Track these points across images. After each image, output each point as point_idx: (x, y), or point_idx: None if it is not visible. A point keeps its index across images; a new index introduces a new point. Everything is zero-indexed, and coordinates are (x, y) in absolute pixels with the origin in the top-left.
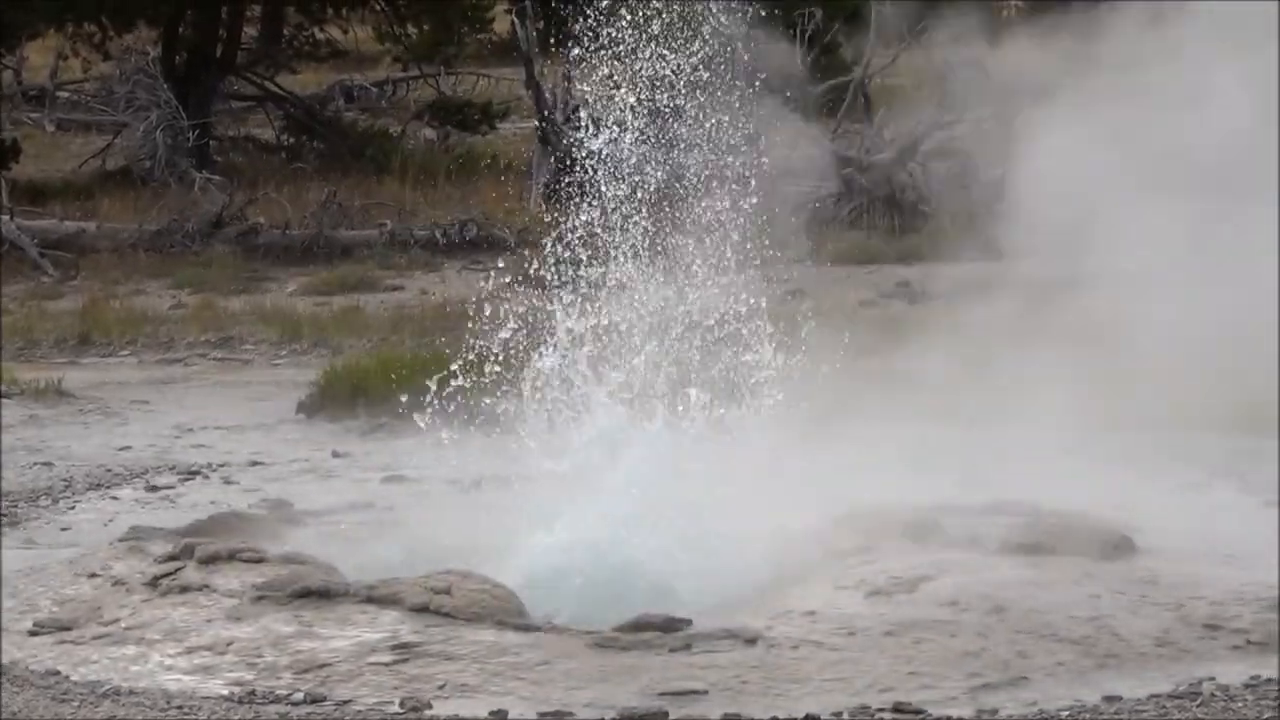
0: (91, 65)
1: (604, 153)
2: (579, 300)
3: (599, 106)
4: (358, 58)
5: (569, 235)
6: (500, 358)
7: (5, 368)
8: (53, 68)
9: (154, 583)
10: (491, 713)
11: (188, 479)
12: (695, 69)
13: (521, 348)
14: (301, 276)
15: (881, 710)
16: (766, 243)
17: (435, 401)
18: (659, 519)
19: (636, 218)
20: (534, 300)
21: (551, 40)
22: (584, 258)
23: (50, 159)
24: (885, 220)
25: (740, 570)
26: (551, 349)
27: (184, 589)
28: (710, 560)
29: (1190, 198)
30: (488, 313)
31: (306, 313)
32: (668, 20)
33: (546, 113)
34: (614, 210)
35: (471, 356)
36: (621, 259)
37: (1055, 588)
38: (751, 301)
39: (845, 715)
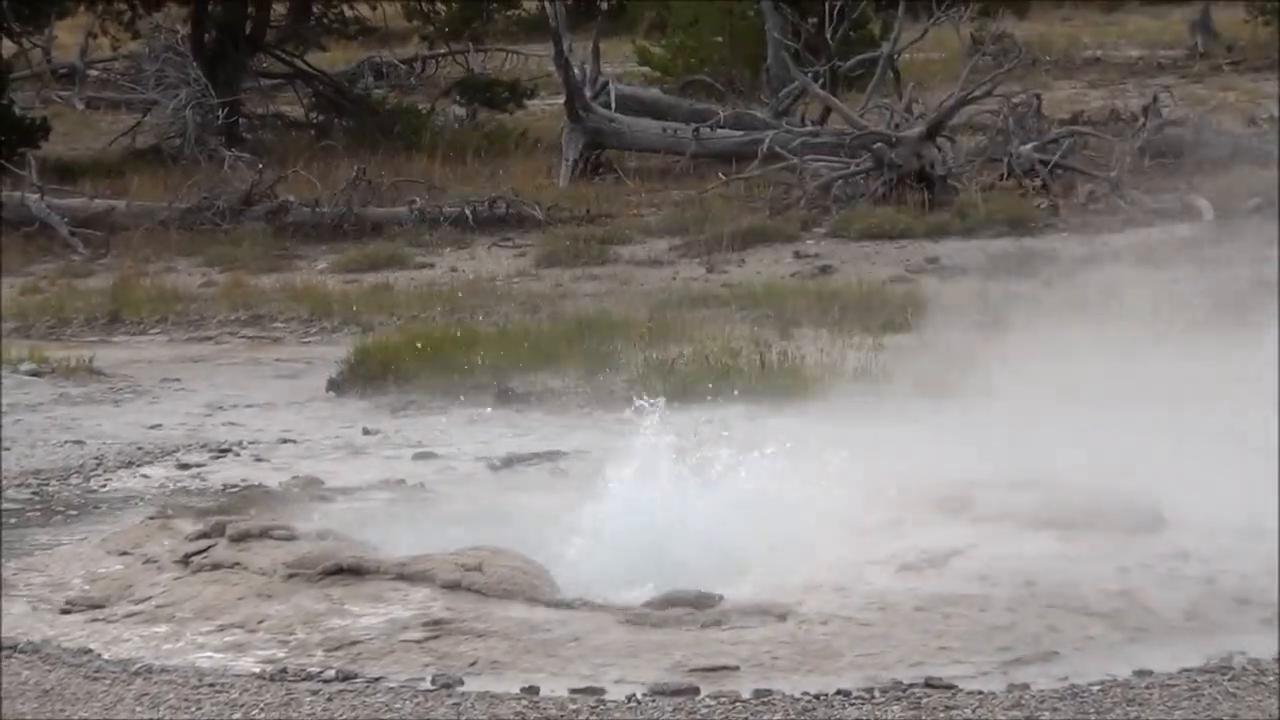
0: (121, 43)
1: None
2: None
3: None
4: (386, 35)
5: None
6: None
7: (36, 346)
8: (82, 46)
9: (185, 560)
10: (523, 689)
11: (218, 457)
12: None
13: None
14: (331, 254)
15: (913, 685)
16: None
17: None
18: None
19: None
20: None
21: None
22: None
23: (80, 137)
24: (915, 195)
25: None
26: None
27: (215, 567)
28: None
29: None
30: None
31: (337, 290)
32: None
33: (575, 89)
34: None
35: None
36: None
37: (1085, 562)
38: None
39: (876, 690)
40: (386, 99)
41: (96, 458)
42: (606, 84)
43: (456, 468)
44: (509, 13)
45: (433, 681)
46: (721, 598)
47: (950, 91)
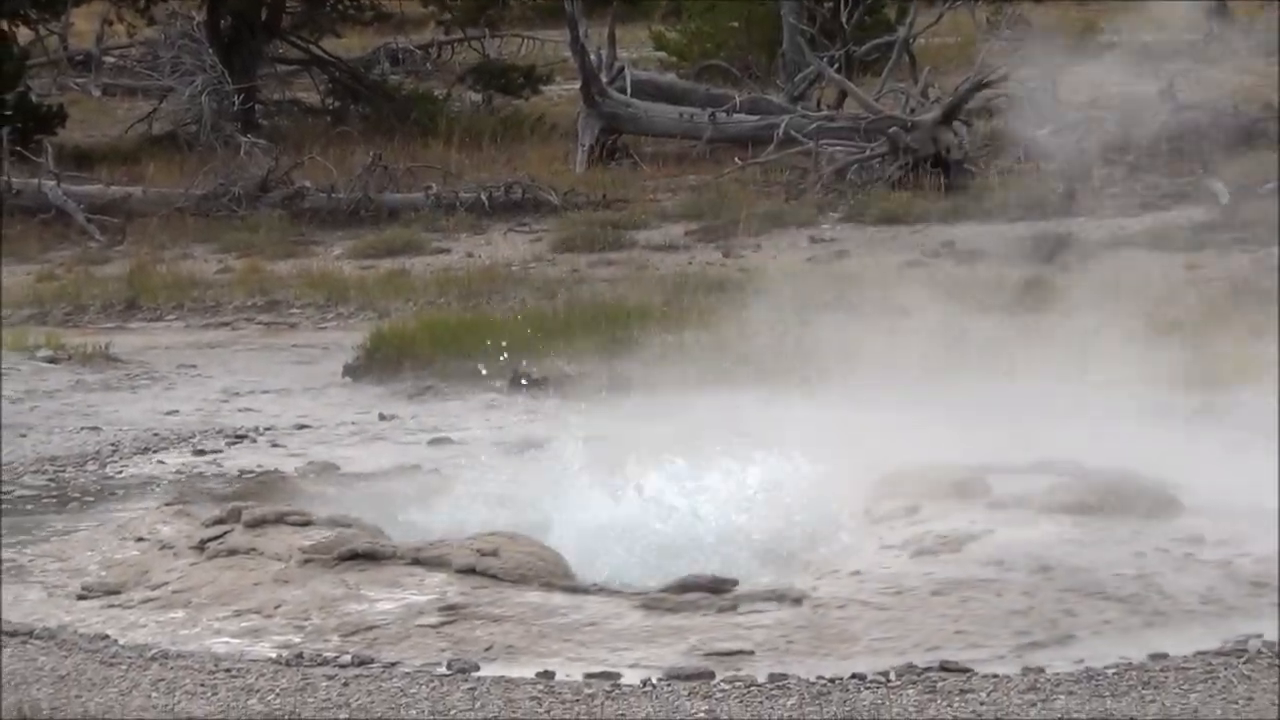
0: (137, 30)
1: None
2: None
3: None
4: (402, 21)
5: None
6: None
7: (53, 333)
8: (98, 33)
9: (201, 546)
10: (538, 674)
11: (234, 442)
12: None
13: None
14: (347, 240)
15: (928, 669)
16: None
17: None
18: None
19: None
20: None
21: None
22: None
23: (96, 124)
24: (931, 179)
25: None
26: None
27: (231, 552)
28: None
29: None
30: None
31: (353, 276)
32: None
33: (591, 75)
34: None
35: None
36: None
37: (1101, 546)
38: None
39: (892, 674)
40: (402, 85)
41: (113, 444)
42: (622, 69)
43: (473, 453)
44: None
45: (448, 666)
46: (736, 582)
47: (966, 75)
